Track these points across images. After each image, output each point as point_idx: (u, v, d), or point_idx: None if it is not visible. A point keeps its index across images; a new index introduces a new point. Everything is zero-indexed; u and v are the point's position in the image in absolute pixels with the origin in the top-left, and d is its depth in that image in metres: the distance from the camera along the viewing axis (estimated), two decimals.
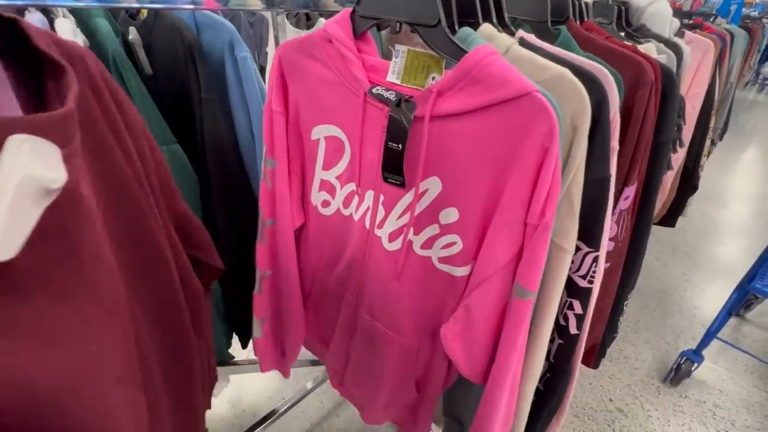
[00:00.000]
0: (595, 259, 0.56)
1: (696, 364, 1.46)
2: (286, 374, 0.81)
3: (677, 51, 0.95)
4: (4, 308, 0.23)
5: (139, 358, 0.35)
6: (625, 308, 0.98)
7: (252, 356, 0.81)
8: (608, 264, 0.79)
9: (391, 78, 0.49)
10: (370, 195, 0.54)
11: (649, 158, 0.76)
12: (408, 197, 0.51)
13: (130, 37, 0.69)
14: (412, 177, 0.49)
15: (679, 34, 1.22)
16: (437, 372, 0.62)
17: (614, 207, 0.72)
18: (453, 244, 0.50)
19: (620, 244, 0.79)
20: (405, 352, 0.61)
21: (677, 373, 1.46)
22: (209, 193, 0.75)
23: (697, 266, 2.16)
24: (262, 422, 1.19)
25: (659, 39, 0.98)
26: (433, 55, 0.47)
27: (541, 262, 0.45)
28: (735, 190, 3.14)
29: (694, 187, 1.57)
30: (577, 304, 0.59)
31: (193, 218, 0.50)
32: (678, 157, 1.32)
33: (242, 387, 1.37)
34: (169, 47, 0.69)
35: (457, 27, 0.49)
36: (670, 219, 1.58)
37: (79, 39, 0.60)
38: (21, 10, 0.53)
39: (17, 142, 0.23)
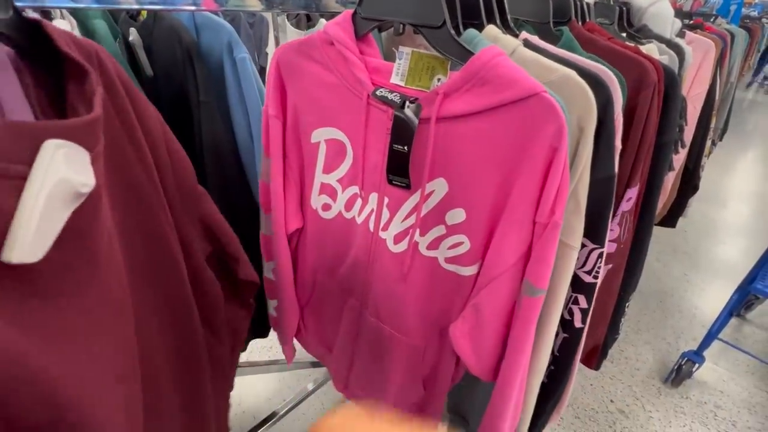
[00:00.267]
0: (600, 255, 0.57)
1: (697, 365, 1.46)
2: (288, 359, 0.82)
3: (679, 52, 0.94)
4: (29, 309, 0.24)
5: (143, 357, 0.35)
6: (626, 309, 0.98)
7: (252, 358, 0.81)
8: (610, 265, 0.79)
9: (395, 80, 0.49)
10: (374, 198, 0.54)
11: (651, 159, 0.76)
12: (414, 199, 0.51)
13: (131, 38, 0.69)
14: (418, 179, 0.49)
15: (680, 34, 1.22)
16: (445, 370, 0.62)
17: (616, 209, 0.72)
18: (460, 244, 0.50)
19: (622, 245, 0.79)
20: (412, 353, 0.61)
21: (678, 374, 1.46)
22: None
23: (697, 266, 2.16)
24: (263, 424, 1.18)
25: (661, 40, 0.98)
26: (438, 56, 0.47)
27: (551, 260, 0.45)
28: (735, 190, 3.15)
29: (695, 188, 1.57)
30: (582, 299, 0.60)
31: (222, 224, 0.49)
32: (679, 158, 1.32)
33: (242, 389, 1.37)
34: (168, 49, 0.69)
35: (461, 28, 0.48)
36: (670, 219, 1.58)
37: None
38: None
39: (52, 147, 0.23)
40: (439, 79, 0.48)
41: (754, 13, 5.30)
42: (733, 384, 1.50)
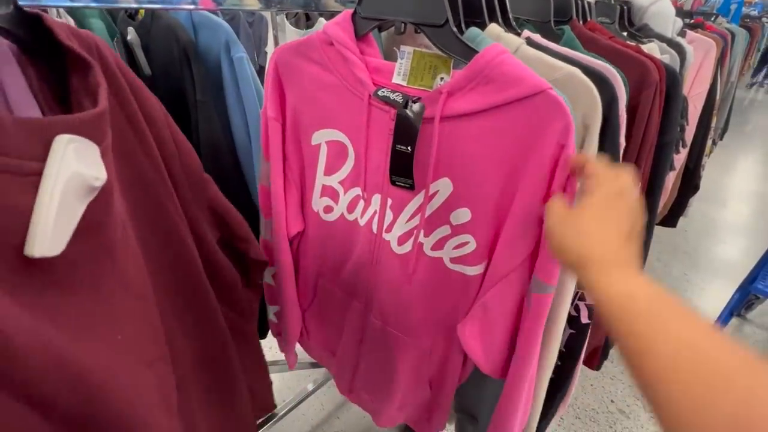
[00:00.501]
0: None
1: None
2: (290, 365, 0.82)
3: (680, 51, 0.94)
4: (51, 300, 0.25)
5: (167, 340, 0.36)
6: None
7: None
8: None
9: (397, 79, 0.48)
10: (377, 199, 0.54)
11: (652, 159, 0.76)
12: (418, 199, 0.50)
13: (129, 37, 0.68)
14: (422, 179, 0.48)
15: (681, 33, 1.22)
16: (452, 369, 0.62)
17: None
18: (465, 243, 0.50)
19: None
20: (418, 354, 0.61)
21: None
22: None
23: (697, 266, 2.15)
24: (263, 425, 1.18)
25: (662, 39, 0.98)
26: (441, 55, 0.47)
27: None
28: (735, 189, 3.15)
29: (696, 187, 1.57)
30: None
31: (230, 209, 0.50)
32: (680, 158, 1.32)
33: None
34: (165, 48, 0.69)
35: (464, 27, 0.48)
36: (671, 219, 1.58)
37: None
38: None
39: (64, 141, 0.24)
40: (442, 78, 0.47)
41: (755, 13, 5.30)
42: None
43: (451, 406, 0.75)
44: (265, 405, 0.60)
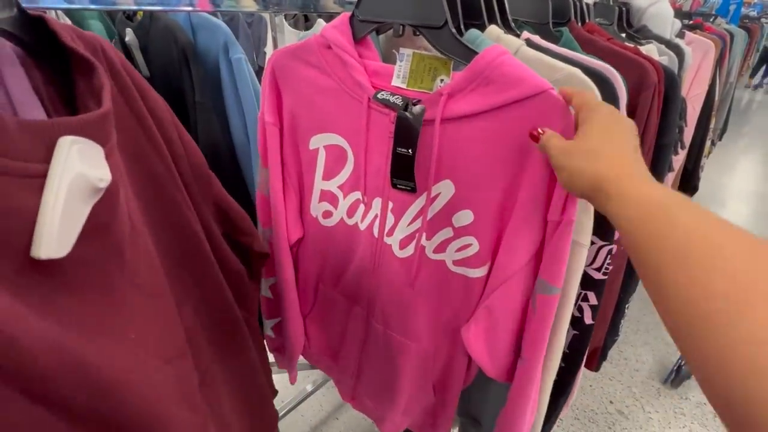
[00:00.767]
0: (610, 252, 0.58)
1: None
2: (292, 379, 0.81)
3: (679, 52, 0.94)
4: (60, 302, 0.25)
5: (187, 337, 0.37)
6: (626, 311, 0.98)
7: None
8: (610, 267, 0.79)
9: (396, 82, 0.48)
10: (377, 203, 0.54)
11: (651, 161, 0.76)
12: (419, 202, 0.50)
13: (127, 38, 0.68)
14: (424, 181, 0.48)
15: (680, 34, 1.22)
16: (456, 373, 0.61)
17: None
18: (468, 246, 0.50)
19: (622, 246, 0.79)
20: (422, 358, 0.61)
21: (678, 375, 1.46)
22: None
23: None
24: None
25: (660, 40, 0.98)
26: (440, 57, 0.46)
27: (565, 257, 0.45)
28: (734, 189, 3.15)
29: (694, 188, 1.57)
30: (592, 296, 0.61)
31: (232, 204, 0.50)
32: (679, 159, 1.32)
33: None
34: (164, 49, 0.69)
35: (463, 29, 0.48)
36: None
37: None
38: None
39: (67, 143, 0.24)
40: (441, 80, 0.47)
41: (753, 13, 5.31)
42: None
43: (455, 411, 0.75)
44: (273, 392, 0.62)
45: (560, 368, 0.62)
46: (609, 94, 0.49)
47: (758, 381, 0.19)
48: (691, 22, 1.74)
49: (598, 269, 0.59)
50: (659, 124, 0.73)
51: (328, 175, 0.57)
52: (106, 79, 0.30)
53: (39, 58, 0.31)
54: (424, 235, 0.51)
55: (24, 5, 0.33)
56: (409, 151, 0.46)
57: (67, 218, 0.23)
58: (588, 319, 0.61)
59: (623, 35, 0.98)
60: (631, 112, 0.67)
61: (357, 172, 0.54)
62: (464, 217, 0.49)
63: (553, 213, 0.43)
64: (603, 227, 0.55)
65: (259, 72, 0.74)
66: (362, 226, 0.57)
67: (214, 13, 0.73)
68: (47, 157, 0.23)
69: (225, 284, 0.45)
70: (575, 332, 0.63)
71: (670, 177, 1.36)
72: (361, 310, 0.63)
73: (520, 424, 0.55)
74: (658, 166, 0.78)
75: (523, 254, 0.47)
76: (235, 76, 0.69)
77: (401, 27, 0.48)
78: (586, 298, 0.61)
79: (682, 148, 1.15)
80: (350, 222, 0.58)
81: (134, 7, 0.61)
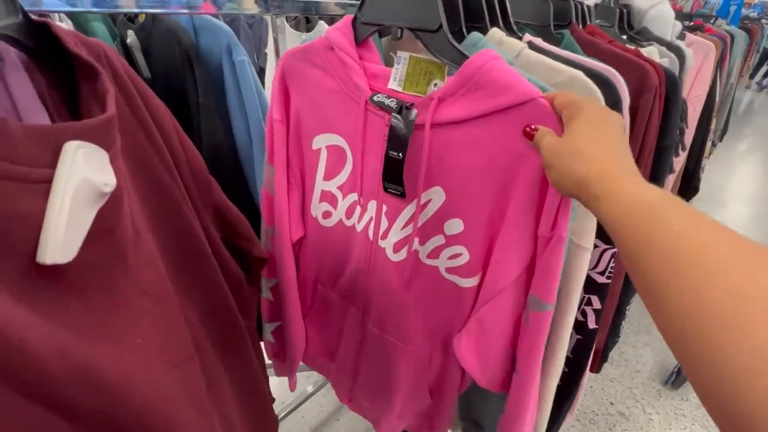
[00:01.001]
0: (613, 255, 0.57)
1: None
2: (292, 386, 0.80)
3: (680, 54, 0.94)
4: (65, 306, 0.25)
5: (194, 341, 0.37)
6: (627, 312, 0.98)
7: None
8: (614, 271, 0.79)
9: (393, 85, 0.48)
10: (372, 205, 0.54)
11: (652, 163, 0.76)
12: (410, 208, 0.50)
13: (129, 40, 0.69)
14: (414, 187, 0.48)
15: (681, 36, 1.22)
16: (451, 377, 0.61)
17: None
18: (459, 255, 0.49)
19: None
20: (417, 361, 0.60)
21: (678, 376, 1.46)
22: None
23: None
24: None
25: (661, 42, 0.98)
26: (435, 61, 0.46)
27: (558, 273, 0.43)
28: (734, 190, 3.15)
29: (695, 189, 1.57)
30: (595, 300, 0.60)
31: (232, 208, 0.50)
32: (679, 160, 1.32)
33: None
34: (166, 51, 0.69)
35: (465, 32, 0.48)
36: None
37: None
38: None
39: (72, 148, 0.24)
40: (435, 84, 0.47)
41: (754, 14, 5.31)
42: None
43: (456, 414, 0.74)
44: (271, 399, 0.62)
45: (564, 373, 0.62)
46: (612, 96, 0.49)
47: (756, 397, 0.18)
48: (691, 23, 1.74)
49: (602, 273, 0.59)
50: (660, 126, 0.73)
51: (328, 176, 0.57)
52: (110, 84, 0.30)
53: (43, 64, 0.31)
54: (417, 240, 0.51)
55: (27, 8, 0.34)
56: (400, 154, 0.46)
57: (73, 223, 0.23)
58: (591, 324, 0.61)
59: (624, 37, 0.98)
60: (633, 115, 0.67)
61: (355, 174, 0.54)
62: (455, 226, 0.48)
63: (544, 228, 0.42)
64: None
65: (260, 73, 0.74)
66: (359, 228, 0.57)
67: (215, 15, 0.73)
68: (53, 162, 0.23)
69: (227, 290, 0.45)
70: (579, 337, 0.62)
71: (671, 178, 1.36)
72: (357, 311, 0.63)
73: (520, 430, 0.54)
74: (659, 168, 0.78)
75: (513, 269, 0.46)
76: (238, 78, 0.69)
77: (399, 30, 0.48)
78: (589, 302, 0.60)
79: (683, 149, 1.15)
80: (348, 223, 0.58)
81: (136, 10, 0.62)
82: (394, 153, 0.46)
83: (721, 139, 2.42)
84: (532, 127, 0.38)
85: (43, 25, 0.30)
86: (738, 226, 2.62)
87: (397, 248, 0.54)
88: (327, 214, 0.60)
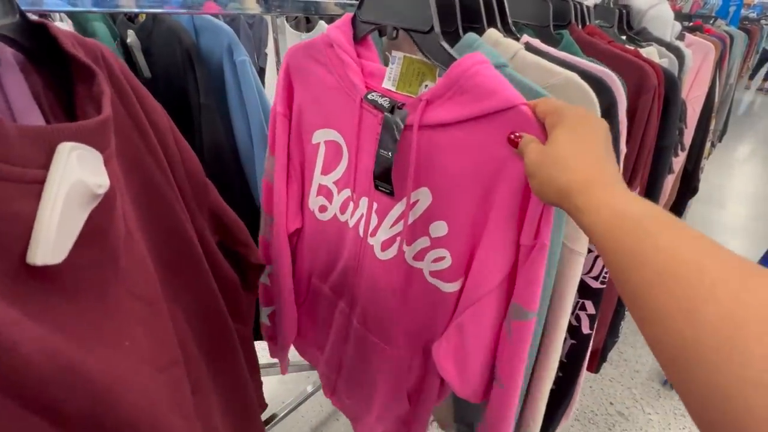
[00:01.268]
0: None
1: None
2: (283, 370, 0.81)
3: (679, 55, 0.94)
4: (56, 308, 0.25)
5: (180, 344, 0.36)
6: (626, 313, 0.98)
7: None
8: (608, 275, 0.79)
9: (387, 84, 0.48)
10: (364, 202, 0.54)
11: (651, 163, 0.76)
12: (399, 206, 0.50)
13: (129, 40, 0.69)
14: (403, 186, 0.48)
15: (680, 37, 1.22)
16: (430, 385, 0.61)
17: None
18: (442, 258, 0.49)
19: None
20: (396, 363, 0.60)
21: None
22: None
23: None
24: None
25: (661, 43, 0.98)
26: (427, 62, 0.46)
27: (540, 281, 0.43)
28: (734, 191, 3.15)
29: (694, 190, 1.57)
30: (589, 305, 0.59)
31: (228, 212, 0.50)
32: (679, 161, 1.32)
33: None
34: (167, 51, 0.69)
35: (462, 32, 0.48)
36: None
37: None
38: None
39: (67, 149, 0.24)
40: (426, 86, 0.47)
41: (753, 15, 5.32)
42: None
43: (450, 416, 0.75)
44: (260, 404, 0.61)
45: (558, 377, 0.62)
46: (606, 98, 0.49)
47: (753, 425, 0.18)
48: (691, 24, 1.75)
49: (596, 278, 0.58)
50: (659, 126, 0.73)
51: (326, 170, 0.58)
52: (106, 85, 0.30)
53: (39, 64, 0.31)
54: (404, 240, 0.51)
55: (28, 8, 0.34)
56: (389, 154, 0.46)
57: (65, 224, 0.23)
58: (585, 329, 0.60)
59: (624, 38, 0.98)
60: (632, 115, 0.67)
61: (349, 170, 0.54)
62: (439, 228, 0.48)
63: (526, 236, 0.42)
64: None
65: (260, 73, 0.74)
66: (351, 224, 0.57)
67: (215, 15, 0.73)
68: (46, 163, 0.23)
69: (218, 294, 0.45)
70: (573, 341, 0.61)
71: (670, 179, 1.36)
72: (345, 307, 0.64)
73: None
74: (658, 168, 0.78)
75: (494, 275, 0.45)
76: (239, 78, 0.69)
77: (395, 30, 0.48)
78: (583, 307, 0.59)
79: (682, 150, 1.16)
80: (342, 218, 0.58)
81: (136, 10, 0.62)
82: (385, 152, 0.47)
83: (720, 139, 2.42)
84: (517, 134, 0.38)
85: (41, 26, 0.30)
86: (737, 226, 2.63)
87: (384, 246, 0.54)
88: (323, 208, 0.60)
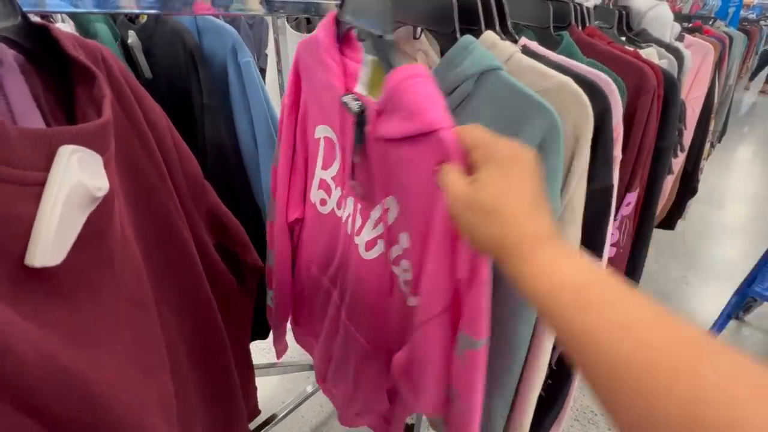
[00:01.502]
0: None
1: None
2: (278, 354, 0.82)
3: (678, 56, 0.95)
4: (52, 310, 0.25)
5: (167, 348, 0.37)
6: None
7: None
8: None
9: (359, 88, 0.46)
10: (350, 201, 0.54)
11: (650, 164, 0.76)
12: (377, 211, 0.49)
13: (130, 41, 0.69)
14: (370, 192, 0.46)
15: (679, 38, 1.22)
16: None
17: (616, 213, 0.72)
18: (407, 270, 0.48)
19: (622, 249, 0.79)
20: (376, 364, 0.61)
21: None
22: None
23: (695, 269, 2.16)
24: (262, 427, 1.18)
25: (660, 44, 0.98)
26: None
27: (485, 314, 0.41)
28: (733, 191, 3.16)
29: (694, 190, 1.58)
30: None
31: (227, 213, 0.50)
32: (678, 161, 1.32)
33: None
34: (169, 52, 0.69)
35: (458, 35, 0.48)
36: (669, 222, 1.59)
37: None
38: None
39: (67, 152, 0.24)
40: None
41: (753, 16, 5.32)
42: None
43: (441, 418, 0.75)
44: (251, 410, 0.61)
45: (548, 385, 0.61)
46: (600, 104, 0.48)
47: None
48: (690, 25, 1.75)
49: None
50: (659, 127, 0.74)
51: (325, 165, 0.58)
52: (107, 88, 0.30)
53: (40, 66, 0.31)
54: (385, 243, 0.50)
55: (30, 9, 0.34)
56: (357, 158, 0.45)
57: (64, 227, 0.23)
58: None
59: (623, 39, 0.98)
60: (631, 116, 0.68)
61: (340, 168, 0.55)
62: (404, 239, 0.46)
63: (462, 271, 0.39)
64: (591, 241, 0.52)
65: (261, 74, 0.74)
66: (343, 220, 0.57)
67: (216, 15, 0.73)
68: (47, 166, 0.23)
69: (212, 297, 0.45)
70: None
71: (670, 179, 1.36)
72: (337, 299, 0.64)
73: None
74: (657, 169, 0.78)
75: (436, 303, 0.43)
76: (243, 79, 0.69)
77: (364, 32, 0.46)
78: None
79: (682, 150, 1.16)
80: (338, 213, 0.59)
81: (137, 11, 0.62)
82: (354, 156, 0.46)
83: (719, 140, 2.43)
84: (440, 166, 0.34)
85: (42, 28, 0.30)
86: (737, 227, 2.63)
87: (368, 247, 0.53)
88: (323, 202, 0.61)
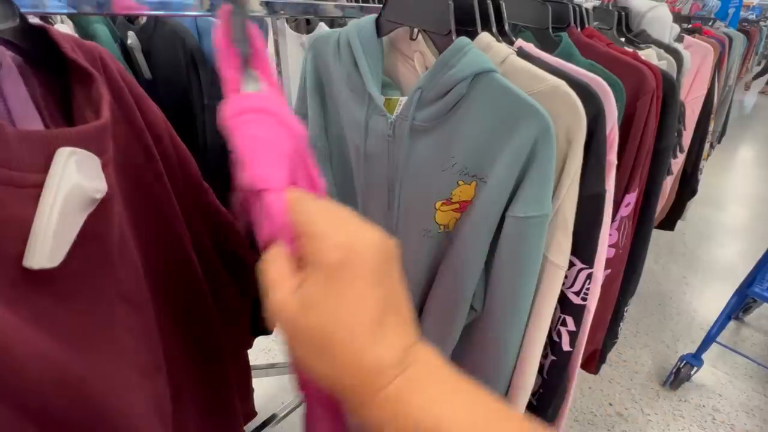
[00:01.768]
0: (589, 276, 0.54)
1: (695, 368, 1.46)
2: None
3: (677, 57, 0.95)
4: (50, 311, 0.25)
5: (164, 350, 0.36)
6: (625, 314, 0.98)
7: (251, 361, 0.81)
8: (609, 270, 0.79)
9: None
10: None
11: (649, 165, 0.76)
12: None
13: (129, 41, 0.69)
14: None
15: (679, 38, 1.22)
16: None
17: (615, 214, 0.72)
18: None
19: (621, 250, 0.79)
20: None
21: (677, 377, 1.46)
22: None
23: (695, 269, 2.16)
24: (262, 427, 1.18)
25: (659, 45, 0.98)
26: None
27: None
28: (733, 192, 3.16)
29: (693, 191, 1.57)
30: (570, 321, 0.57)
31: (226, 214, 0.50)
32: (678, 162, 1.32)
33: None
34: (169, 52, 0.69)
35: (454, 36, 0.48)
36: (669, 222, 1.58)
37: None
38: None
39: (65, 154, 0.24)
40: None
41: (752, 17, 5.32)
42: (731, 387, 1.50)
43: None
44: (247, 412, 0.60)
45: (539, 394, 0.60)
46: (593, 108, 0.47)
47: None
48: (689, 25, 1.75)
49: (577, 293, 0.54)
50: (658, 128, 0.74)
51: None
52: (105, 89, 0.30)
53: (38, 68, 0.31)
54: None
55: (29, 10, 0.34)
56: None
57: (62, 228, 0.23)
58: (566, 346, 0.57)
59: (622, 40, 0.98)
60: (630, 117, 0.68)
61: None
62: None
63: None
64: (583, 248, 0.52)
65: None
66: None
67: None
68: (45, 168, 0.23)
69: (209, 299, 0.45)
70: (553, 357, 0.59)
71: (669, 180, 1.36)
72: None
73: None
74: (656, 170, 0.78)
75: None
76: None
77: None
78: (564, 323, 0.57)
79: (681, 151, 1.16)
80: None
81: (137, 12, 0.62)
82: None
83: (719, 140, 2.42)
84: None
85: (41, 30, 0.30)
86: (737, 227, 2.63)
87: None
88: None
